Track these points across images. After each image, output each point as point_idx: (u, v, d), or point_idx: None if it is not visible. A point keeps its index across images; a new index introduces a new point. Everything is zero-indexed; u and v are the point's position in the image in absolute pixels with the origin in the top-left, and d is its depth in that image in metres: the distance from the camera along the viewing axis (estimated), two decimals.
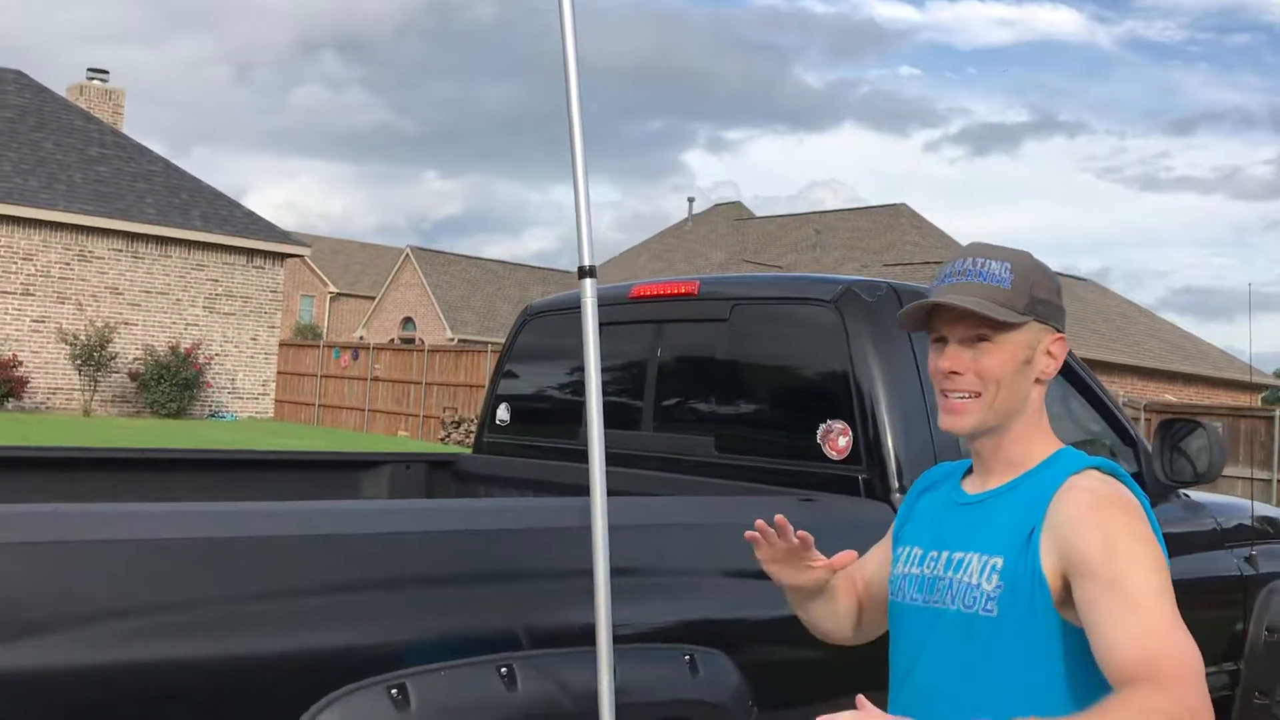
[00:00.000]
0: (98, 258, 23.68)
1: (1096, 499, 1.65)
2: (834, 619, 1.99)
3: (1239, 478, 14.95)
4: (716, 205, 52.41)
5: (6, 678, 1.69)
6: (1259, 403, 27.23)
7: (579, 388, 3.99)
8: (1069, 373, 3.67)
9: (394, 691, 1.99)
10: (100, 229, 23.55)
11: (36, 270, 22.99)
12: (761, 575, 1.86)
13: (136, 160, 26.06)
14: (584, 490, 2.19)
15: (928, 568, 1.78)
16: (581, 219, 2.25)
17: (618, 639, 2.09)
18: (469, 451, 4.55)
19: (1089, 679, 1.61)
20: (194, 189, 26.21)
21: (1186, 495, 4.07)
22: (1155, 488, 3.78)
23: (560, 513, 2.50)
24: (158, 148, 29.27)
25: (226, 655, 1.87)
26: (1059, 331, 1.76)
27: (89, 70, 30.74)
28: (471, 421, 22.86)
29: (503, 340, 5.15)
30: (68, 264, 23.33)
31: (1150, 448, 3.78)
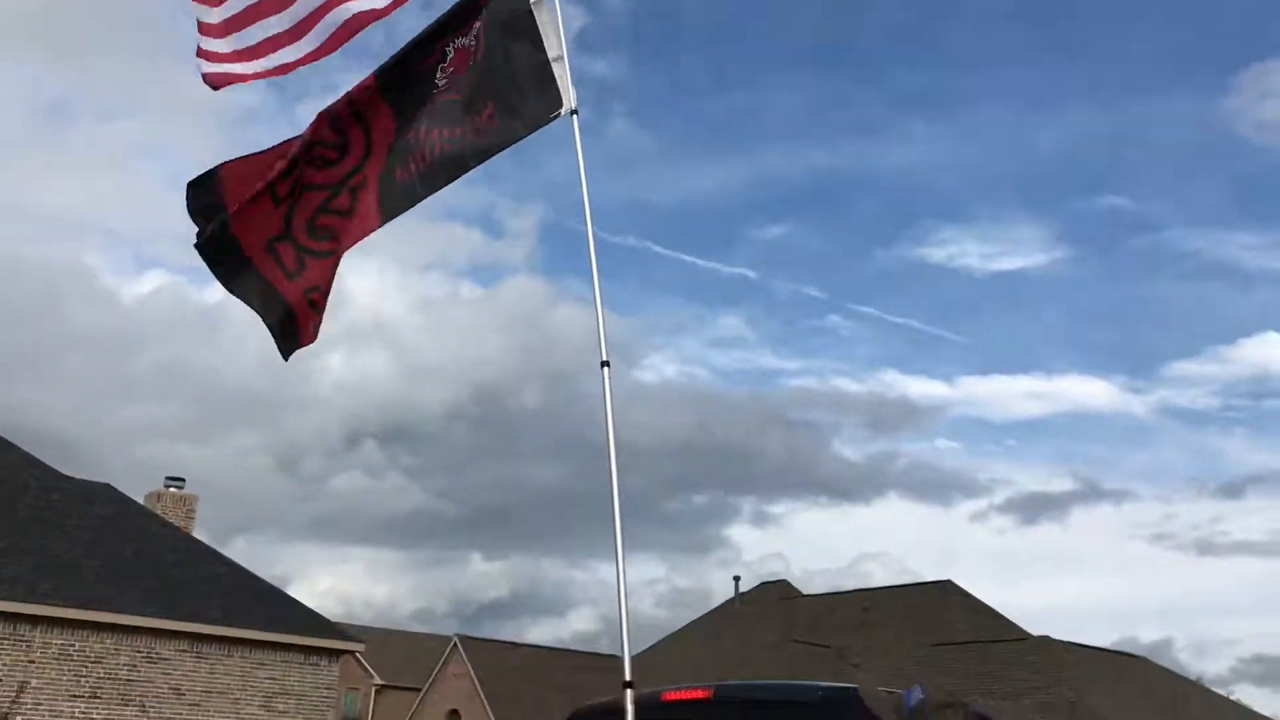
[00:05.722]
0: (163, 659, 24.58)
1: None
2: None
3: None
4: (763, 583, 52.60)
5: None
6: None
7: None
8: None
9: None
10: (168, 631, 24.64)
11: (105, 673, 23.85)
12: None
13: (208, 563, 27.58)
14: None
15: None
16: (625, 645, 3.30)
17: None
18: None
19: None
20: (259, 589, 27.49)
21: None
22: None
23: None
24: (203, 537, 30.94)
25: None
26: None
27: (167, 478, 33.14)
28: None
29: None
30: (135, 666, 24.22)
31: None
